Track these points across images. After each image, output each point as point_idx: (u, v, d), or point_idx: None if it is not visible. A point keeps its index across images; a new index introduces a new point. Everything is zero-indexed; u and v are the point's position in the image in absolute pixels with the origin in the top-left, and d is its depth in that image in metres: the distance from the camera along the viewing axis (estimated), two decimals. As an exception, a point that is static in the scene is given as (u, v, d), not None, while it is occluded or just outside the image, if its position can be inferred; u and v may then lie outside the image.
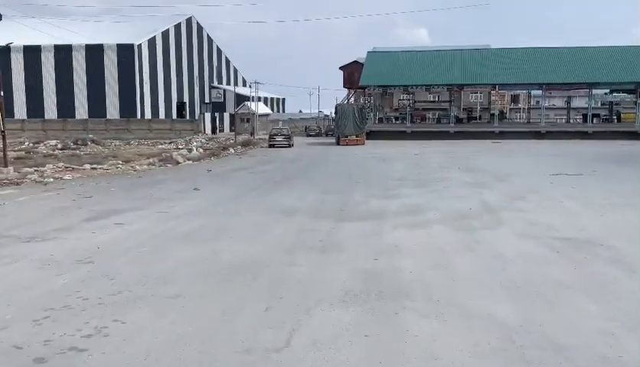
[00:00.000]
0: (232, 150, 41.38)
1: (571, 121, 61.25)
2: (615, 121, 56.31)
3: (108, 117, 66.54)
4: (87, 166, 28.23)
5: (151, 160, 32.84)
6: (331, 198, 15.46)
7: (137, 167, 28.07)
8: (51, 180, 21.30)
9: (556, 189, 16.68)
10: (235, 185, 18.90)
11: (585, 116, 54.11)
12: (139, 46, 67.65)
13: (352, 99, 62.26)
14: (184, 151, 39.16)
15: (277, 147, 43.47)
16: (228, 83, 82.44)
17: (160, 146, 51.75)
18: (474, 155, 32.38)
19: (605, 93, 56.27)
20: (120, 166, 29.29)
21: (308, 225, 11.33)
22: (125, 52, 67.07)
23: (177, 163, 32.18)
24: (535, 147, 38.72)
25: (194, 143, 53.62)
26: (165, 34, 72.35)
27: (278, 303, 6.52)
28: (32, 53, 67.21)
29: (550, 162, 27.43)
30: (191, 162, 32.69)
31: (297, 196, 15.80)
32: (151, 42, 69.41)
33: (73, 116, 66.28)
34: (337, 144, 46.17)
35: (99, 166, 28.54)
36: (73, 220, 12.11)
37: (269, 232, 10.65)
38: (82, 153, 42.39)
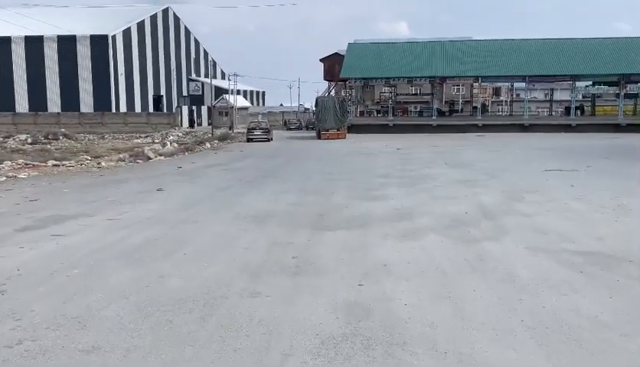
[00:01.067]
0: (208, 144, 39.38)
1: (553, 113, 60.09)
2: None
3: (82, 111, 63.86)
4: (51, 162, 26.14)
5: (122, 155, 30.87)
6: (309, 200, 13.68)
7: (103, 163, 26.02)
8: (3, 178, 19.25)
9: (555, 188, 15.08)
10: (204, 184, 17.03)
11: (567, 109, 52.90)
12: (114, 37, 64.97)
13: (333, 91, 60.45)
14: (158, 146, 37.15)
15: (255, 141, 41.55)
16: (206, 76, 79.85)
17: (135, 140, 49.62)
18: (459, 149, 30.81)
19: (587, 86, 55.01)
20: (88, 162, 27.25)
21: (282, 236, 9.54)
22: (99, 43, 64.33)
23: (149, 158, 30.22)
24: (520, 141, 37.28)
25: (171, 137, 51.55)
26: (141, 25, 69.68)
27: (228, 364, 4.74)
28: (1, 44, 64.21)
29: (539, 156, 25.93)
30: (163, 158, 30.73)
31: (272, 198, 14.00)
32: (126, 33, 66.76)
33: (46, 110, 63.45)
34: (318, 138, 44.38)
35: (64, 162, 26.48)
36: (3, 230, 10.18)
37: (233, 247, 8.84)
38: (52, 148, 40.15)
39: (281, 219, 11.19)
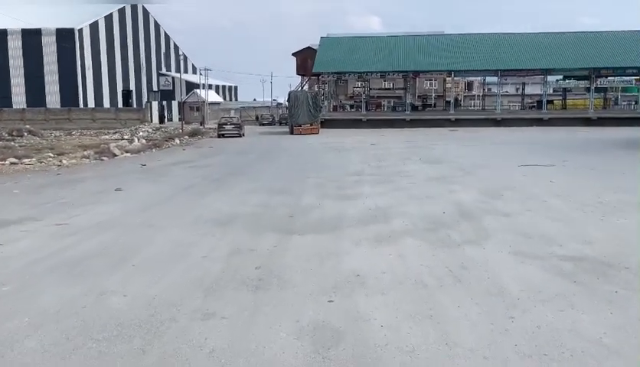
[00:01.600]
0: (177, 140, 38.14)
1: (524, 108, 60.05)
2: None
3: (48, 106, 61.79)
4: (9, 160, 24.73)
5: (86, 152, 29.56)
6: (278, 200, 12.78)
7: (65, 161, 24.71)
8: (-48, 179, 17.93)
9: (534, 185, 14.43)
10: (168, 183, 15.99)
11: (539, 103, 52.83)
12: (80, 30, 62.99)
13: (306, 86, 59.52)
14: (125, 142, 35.81)
15: (227, 137, 40.45)
16: (177, 71, 78.08)
17: (104, 136, 48.08)
18: (433, 144, 30.21)
19: (558, 80, 55.07)
20: (50, 159, 25.88)
21: (245, 242, 8.64)
22: (66, 37, 62.28)
23: (114, 155, 29.00)
24: (494, 135, 36.90)
25: (140, 133, 50.08)
26: (109, 18, 67.70)
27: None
28: (-37, 38, 61.81)
29: (514, 151, 25.43)
30: (129, 154, 29.50)
31: (238, 198, 13.06)
32: (94, 27, 64.79)
33: (10, 106, 61.21)
34: (291, 133, 43.45)
35: (24, 160, 25.10)
36: None
37: (190, 256, 7.91)
38: (17, 145, 38.46)
39: (246, 221, 10.27)
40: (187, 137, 41.14)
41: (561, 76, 54.16)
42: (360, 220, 10.24)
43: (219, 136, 40.59)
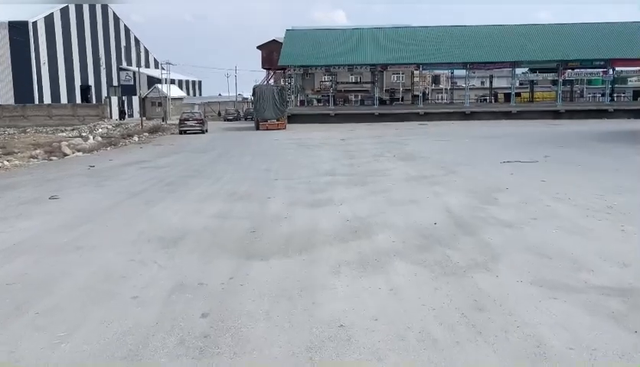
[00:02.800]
0: (136, 137, 35.67)
1: (492, 101, 59.07)
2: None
3: (1, 103, 58.23)
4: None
5: (36, 151, 27.01)
6: (240, 208, 10.82)
7: (6, 162, 22.18)
8: None
9: (526, 185, 12.80)
10: (114, 189, 13.82)
11: (507, 95, 51.81)
12: (34, 23, 59.46)
13: (272, 80, 57.36)
14: (79, 140, 33.23)
15: (189, 133, 38.14)
16: (139, 65, 74.95)
17: (60, 134, 45.25)
18: (405, 139, 28.56)
19: (524, 72, 54.22)
20: (-8, 160, 23.31)
21: (193, 272, 6.67)
22: (19, 30, 58.70)
23: (65, 155, 26.57)
24: (465, 129, 35.52)
25: (99, 130, 47.44)
26: (65, 12, 64.16)
27: None
28: None
29: (491, 146, 23.95)
30: (81, 154, 27.08)
31: (193, 207, 11.04)
32: (49, 20, 61.28)
33: (-40, 102, 57.53)
34: (257, 128, 41.36)
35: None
36: None
37: (116, 297, 5.90)
38: (-37, 144, 35.57)
39: (198, 240, 8.28)
40: (146, 134, 38.67)
41: (526, 69, 53.37)
42: (337, 235, 8.37)
43: (180, 132, 38.25)
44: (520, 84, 58.18)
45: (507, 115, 46.54)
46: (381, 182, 13.99)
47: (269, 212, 10.34)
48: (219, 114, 60.75)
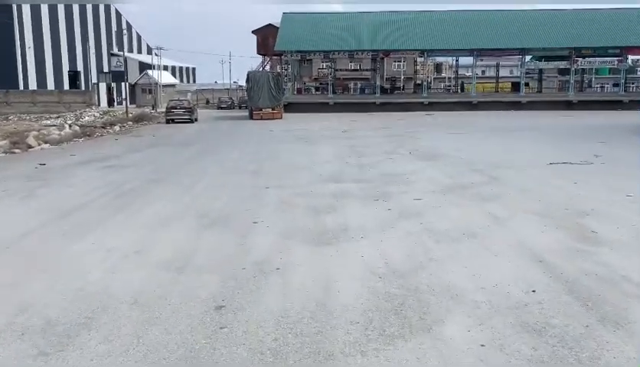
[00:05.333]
0: (118, 127, 31.59)
1: (498, 90, 55.00)
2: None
3: (-17, 88, 53.81)
4: None
5: (3, 142, 23.03)
6: (207, 246, 6.90)
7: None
8: None
9: (614, 203, 8.95)
10: (42, 202, 9.84)
11: (518, 85, 47.75)
12: (19, 7, 54.84)
13: (267, 66, 53.17)
14: (54, 130, 29.14)
15: (177, 122, 34.05)
16: (130, 51, 70.35)
17: (45, 122, 41.08)
18: (415, 132, 24.63)
19: (530, 60, 50.16)
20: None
21: None
22: (2, 12, 54.04)
23: (30, 147, 22.62)
24: (476, 120, 31.58)
25: (86, 117, 43.24)
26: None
27: None
28: None
29: (519, 141, 20.07)
30: (47, 146, 23.16)
31: (137, 242, 7.10)
32: (35, 2, 56.62)
33: (-60, 88, 53.03)
34: (251, 118, 37.22)
35: None
36: None
37: None
38: None
39: (117, 329, 4.37)
40: (130, 122, 34.53)
41: (530, 57, 49.30)
42: (367, 322, 4.46)
43: (167, 121, 34.15)
44: (526, 73, 54.17)
45: (517, 106, 42.57)
46: (408, 194, 10.08)
47: (252, 255, 6.40)
48: (207, 102, 56.38)
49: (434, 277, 5.52)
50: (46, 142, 23.72)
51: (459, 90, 53.39)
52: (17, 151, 21.38)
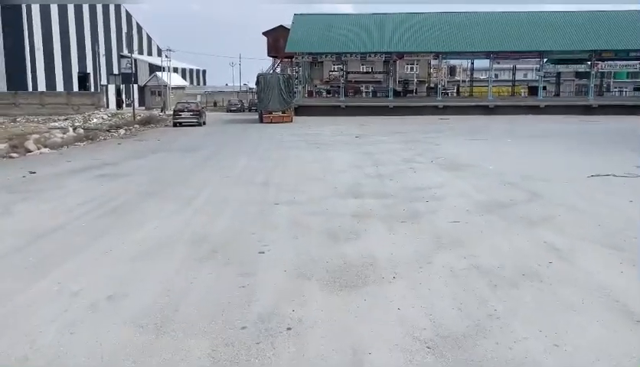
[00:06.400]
0: (123, 130, 30.30)
1: (515, 94, 53.21)
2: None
3: (-7, 90, 52.90)
4: None
5: (3, 146, 21.82)
6: (200, 291, 5.43)
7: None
8: None
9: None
10: (12, 222, 8.44)
11: (534, 89, 46.00)
12: (28, 7, 53.89)
13: (278, 68, 51.77)
14: (58, 132, 27.89)
15: (184, 125, 32.69)
16: (141, 53, 69.27)
17: (52, 123, 40.06)
18: (433, 138, 23.06)
19: (546, 62, 48.33)
20: None
21: None
22: (12, 13, 53.17)
23: (28, 151, 21.35)
24: (495, 125, 29.96)
25: (94, 120, 42.12)
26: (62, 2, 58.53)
27: None
28: None
29: (548, 149, 18.45)
30: (47, 150, 21.85)
31: (114, 275, 5.66)
32: (44, 3, 55.64)
33: (-51, 88, 52.20)
34: (260, 121, 35.83)
35: None
36: None
37: None
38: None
39: None
40: (137, 125, 33.25)
41: (545, 60, 47.45)
42: None
43: (174, 125, 32.81)
44: (545, 75, 52.29)
45: (535, 110, 40.88)
46: (439, 214, 8.57)
47: (256, 305, 4.91)
48: (214, 104, 55.01)
49: (502, 349, 4.00)
50: (45, 146, 22.42)
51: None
52: (14, 155, 20.15)
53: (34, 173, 13.59)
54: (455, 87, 59.01)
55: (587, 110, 40.63)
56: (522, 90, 53.56)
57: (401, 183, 11.76)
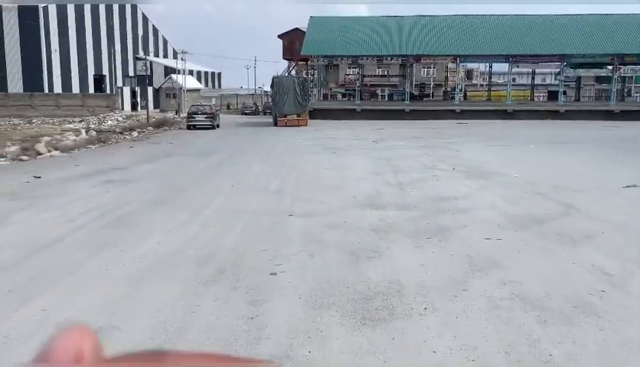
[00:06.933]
0: (136, 133, 29.84)
1: (535, 98, 52.04)
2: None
3: (10, 91, 52.88)
4: None
5: (10, 149, 21.42)
6: (206, 313, 4.72)
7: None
8: None
9: None
10: (10, 234, 7.81)
11: (553, 93, 44.86)
12: (45, 8, 53.83)
13: (293, 71, 51.14)
14: (70, 135, 27.49)
15: (198, 128, 32.12)
16: (156, 55, 69.08)
17: (67, 125, 39.90)
18: (453, 143, 22.21)
19: (565, 66, 47.11)
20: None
21: None
22: (29, 14, 53.15)
23: (39, 154, 20.91)
24: (515, 130, 29.01)
25: (109, 122, 41.90)
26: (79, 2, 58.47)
27: None
28: None
29: (576, 157, 17.53)
30: (57, 153, 21.41)
31: (106, 300, 4.99)
32: (61, 5, 55.58)
33: (-34, 89, 52.27)
34: (275, 124, 35.16)
35: None
36: None
37: None
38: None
39: None
40: (150, 128, 32.80)
41: (564, 64, 46.22)
42: None
43: (188, 127, 32.25)
44: (563, 80, 51.05)
45: (555, 115, 39.78)
46: (469, 229, 7.80)
47: (265, 345, 4.18)
48: (227, 107, 54.50)
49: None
50: (56, 149, 21.97)
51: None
52: (25, 158, 19.73)
53: (40, 177, 13.01)
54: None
55: (609, 115, 39.40)
56: (541, 94, 52.35)
57: (423, 192, 10.99)
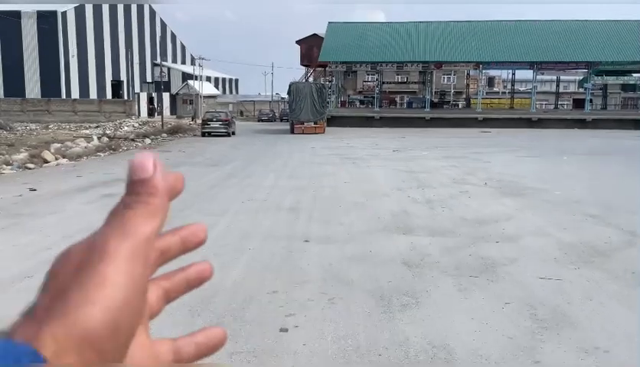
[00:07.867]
0: (149, 140, 28.87)
1: (559, 106, 50.25)
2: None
3: (27, 96, 52.58)
4: None
5: (21, 156, 20.55)
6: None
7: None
8: None
9: None
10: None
11: (579, 101, 43.11)
12: (64, 14, 53.48)
13: (311, 78, 50.01)
14: (81, 142, 26.58)
15: (213, 135, 31.08)
16: (174, 61, 68.55)
17: (84, 130, 39.26)
18: (480, 153, 20.79)
19: (589, 74, 45.38)
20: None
21: None
22: (48, 20, 52.80)
23: (45, 162, 19.98)
24: (543, 140, 27.48)
25: (125, 128, 41.15)
26: (97, 3, 58.12)
27: None
28: None
29: (616, 170, 16.02)
30: (65, 161, 20.48)
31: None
32: (80, 10, 55.20)
33: (-15, 94, 52.10)
34: (291, 132, 34.01)
35: None
36: None
37: None
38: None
39: None
40: (164, 135, 31.85)
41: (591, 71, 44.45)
42: None
43: (203, 134, 31.24)
44: (586, 88, 49.18)
45: (581, 124, 38.07)
46: (520, 264, 6.43)
47: None
48: (241, 113, 53.50)
49: None
50: (64, 157, 21.00)
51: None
52: (31, 166, 18.81)
53: (35, 190, 11.89)
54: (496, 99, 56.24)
55: (636, 124, 37.61)
56: (565, 102, 50.52)
57: (456, 212, 9.62)
